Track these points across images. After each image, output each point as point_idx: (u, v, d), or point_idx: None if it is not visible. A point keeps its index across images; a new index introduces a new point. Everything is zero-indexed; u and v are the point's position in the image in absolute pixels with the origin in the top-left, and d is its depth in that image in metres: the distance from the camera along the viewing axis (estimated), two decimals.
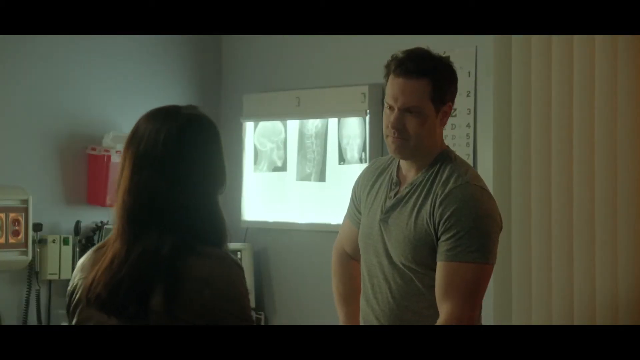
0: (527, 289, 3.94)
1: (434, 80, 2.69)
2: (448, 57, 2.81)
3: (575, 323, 3.79)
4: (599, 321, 3.73)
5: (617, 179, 3.76)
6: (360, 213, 2.93)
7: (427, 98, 2.69)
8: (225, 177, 2.12)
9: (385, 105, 2.73)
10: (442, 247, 2.64)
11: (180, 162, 2.05)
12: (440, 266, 2.65)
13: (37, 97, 4.54)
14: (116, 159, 4.64)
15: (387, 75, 2.74)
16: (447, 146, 2.80)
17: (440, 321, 2.63)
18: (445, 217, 2.64)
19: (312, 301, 4.83)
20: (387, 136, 2.73)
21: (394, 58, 2.73)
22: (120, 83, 4.85)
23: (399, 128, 2.69)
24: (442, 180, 2.69)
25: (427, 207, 2.68)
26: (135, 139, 2.08)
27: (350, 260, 3.02)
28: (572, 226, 3.85)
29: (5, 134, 4.45)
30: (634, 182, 3.73)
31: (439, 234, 2.66)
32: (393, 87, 2.70)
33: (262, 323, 4.97)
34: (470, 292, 2.64)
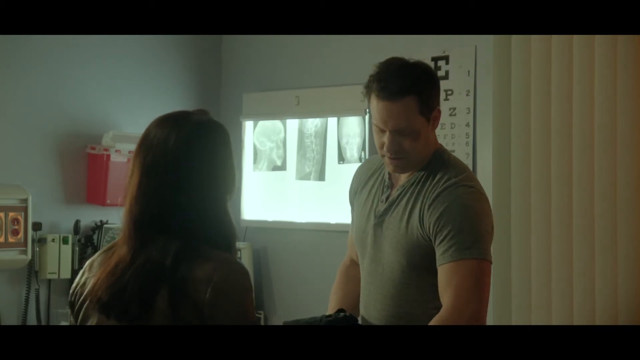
0: (527, 289, 3.94)
1: (419, 95, 2.61)
2: (423, 62, 2.73)
3: (575, 323, 3.79)
4: (599, 321, 3.73)
5: (616, 179, 3.76)
6: None
7: (416, 114, 2.61)
8: (234, 183, 2.12)
9: (374, 126, 2.66)
10: (438, 252, 2.59)
11: (188, 169, 2.05)
12: (439, 270, 2.59)
13: (36, 96, 4.54)
14: (116, 158, 4.65)
15: (368, 95, 2.64)
16: (440, 145, 2.75)
17: (439, 314, 2.56)
18: (434, 219, 2.59)
19: (312, 300, 4.83)
20: (383, 156, 2.68)
21: (374, 79, 2.61)
22: (120, 82, 4.85)
23: (395, 149, 2.64)
24: (432, 184, 2.65)
25: (417, 210, 2.65)
26: (144, 145, 2.08)
27: (355, 269, 2.93)
28: (571, 226, 3.85)
29: (4, 133, 4.44)
30: (633, 182, 3.73)
31: (433, 239, 2.61)
32: (380, 110, 2.61)
33: (262, 322, 4.97)
34: (470, 287, 2.55)
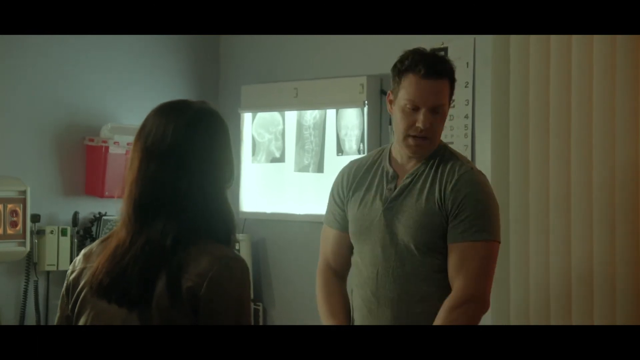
0: (525, 286, 3.94)
1: (451, 80, 2.89)
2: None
3: (573, 323, 3.78)
4: (597, 321, 3.73)
5: (615, 176, 3.75)
6: (344, 212, 3.02)
7: (447, 97, 2.88)
8: (232, 172, 2.15)
9: (405, 105, 2.84)
10: (455, 230, 2.81)
11: (186, 155, 2.07)
12: (453, 247, 2.81)
13: (35, 88, 4.54)
14: (114, 150, 4.65)
15: (401, 75, 2.86)
16: (441, 140, 2.98)
17: (452, 296, 2.78)
18: (458, 201, 2.81)
19: (310, 292, 4.80)
20: (408, 135, 2.86)
21: (418, 61, 2.84)
22: (118, 74, 4.84)
23: (427, 127, 2.83)
24: (447, 169, 2.87)
25: (436, 193, 2.84)
26: (143, 132, 2.11)
27: (338, 281, 3.09)
28: (570, 220, 3.85)
29: (3, 126, 4.44)
30: (631, 179, 3.72)
31: (452, 217, 2.81)
32: (422, 88, 2.83)
33: (260, 314, 4.98)
34: (484, 267, 2.82)
